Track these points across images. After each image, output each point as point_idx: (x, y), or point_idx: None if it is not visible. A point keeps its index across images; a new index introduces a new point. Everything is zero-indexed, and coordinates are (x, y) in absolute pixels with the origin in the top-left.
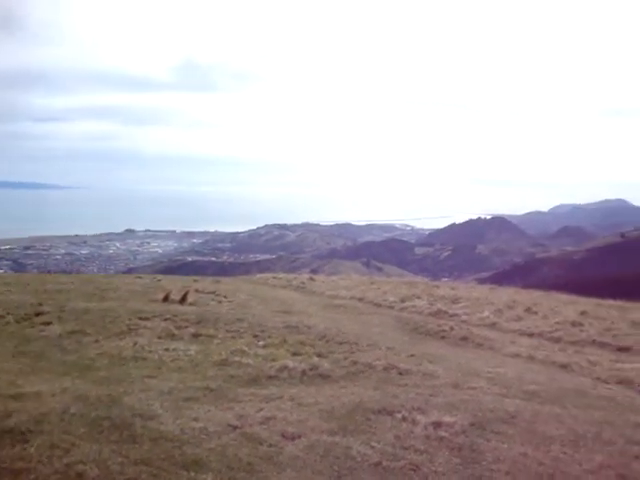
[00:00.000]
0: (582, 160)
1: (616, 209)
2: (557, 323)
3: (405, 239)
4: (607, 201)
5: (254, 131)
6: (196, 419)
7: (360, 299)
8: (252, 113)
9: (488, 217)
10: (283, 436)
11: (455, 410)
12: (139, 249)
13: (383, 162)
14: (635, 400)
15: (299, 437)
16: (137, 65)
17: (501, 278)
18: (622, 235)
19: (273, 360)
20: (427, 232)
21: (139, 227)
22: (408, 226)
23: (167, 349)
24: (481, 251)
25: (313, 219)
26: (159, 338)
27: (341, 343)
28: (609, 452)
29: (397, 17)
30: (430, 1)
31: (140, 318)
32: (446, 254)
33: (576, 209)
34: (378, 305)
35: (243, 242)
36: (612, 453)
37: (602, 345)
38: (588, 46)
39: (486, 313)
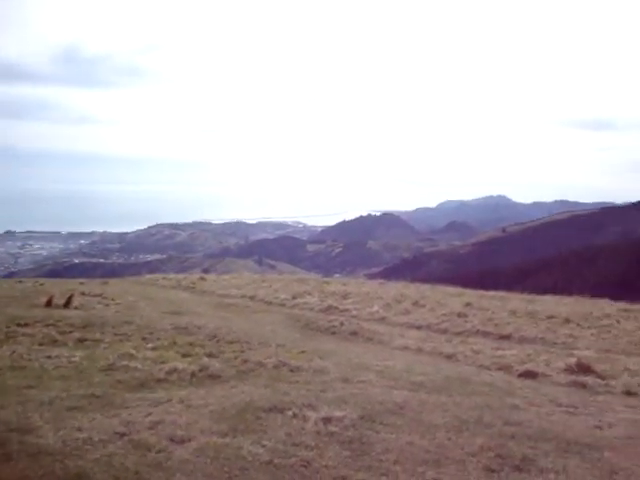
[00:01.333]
0: (468, 159)
1: (498, 205)
2: (443, 315)
3: (297, 236)
4: (490, 197)
5: (154, 129)
6: (80, 429)
7: (251, 297)
8: (150, 110)
9: (378, 214)
10: (172, 440)
11: (345, 404)
12: (20, 252)
13: (296, 160)
14: (512, 384)
15: (189, 440)
16: (8, 53)
17: (391, 273)
18: (503, 230)
19: (162, 363)
20: (319, 229)
21: (19, 228)
22: (300, 223)
23: (49, 356)
24: (372, 247)
25: (205, 218)
26: (40, 345)
27: (231, 342)
28: (489, 434)
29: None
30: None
31: (19, 325)
32: (338, 250)
33: (462, 205)
34: (269, 303)
35: (133, 242)
36: (492, 435)
37: (485, 334)
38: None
39: (375, 308)
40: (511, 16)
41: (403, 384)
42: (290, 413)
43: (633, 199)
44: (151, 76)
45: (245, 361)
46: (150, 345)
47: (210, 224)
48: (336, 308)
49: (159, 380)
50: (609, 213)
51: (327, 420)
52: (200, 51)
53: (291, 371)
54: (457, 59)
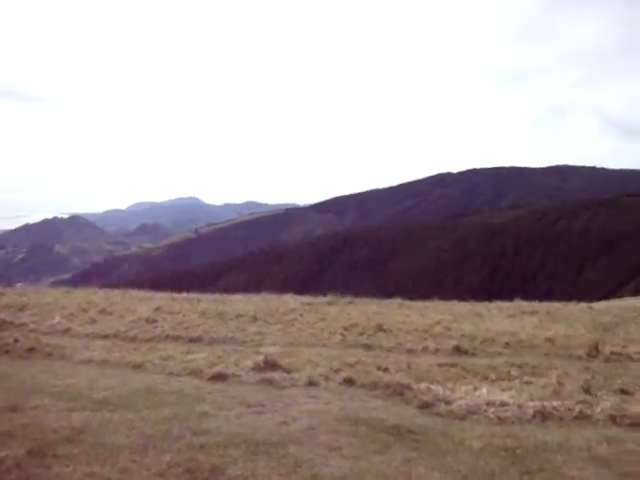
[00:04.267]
0: (158, 160)
1: (190, 206)
2: (132, 322)
3: None
4: (181, 199)
5: None
6: None
7: None
8: None
9: (65, 216)
10: None
11: (10, 440)
12: None
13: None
14: (202, 389)
15: None
16: None
17: (81, 279)
18: (195, 231)
19: None
20: None
21: None
22: None
23: None
24: (60, 251)
25: None
26: None
27: None
28: (177, 449)
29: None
30: None
31: None
32: (20, 257)
33: (154, 207)
34: None
35: None
36: (180, 449)
37: (175, 339)
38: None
39: (58, 319)
40: None
41: (84, 404)
42: None
43: (313, 201)
44: None
45: None
46: None
47: None
48: (11, 323)
49: None
50: (293, 214)
51: None
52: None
53: None
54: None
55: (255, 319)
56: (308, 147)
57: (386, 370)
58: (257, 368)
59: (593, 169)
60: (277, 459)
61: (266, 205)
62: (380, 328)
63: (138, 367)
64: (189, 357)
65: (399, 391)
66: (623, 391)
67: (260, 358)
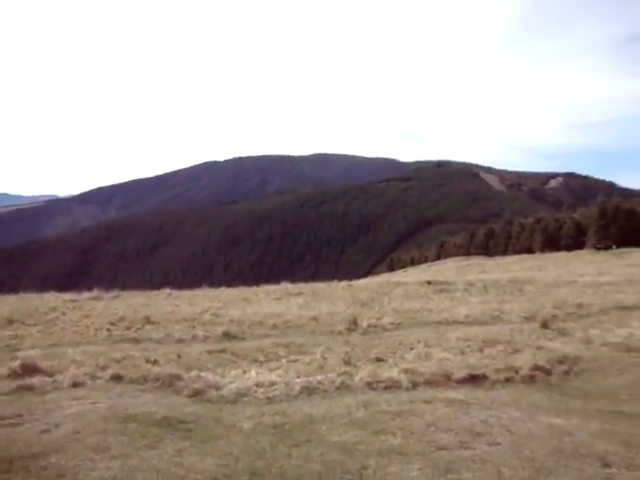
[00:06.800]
0: None
1: None
2: None
3: None
4: None
5: None
6: None
7: None
8: None
9: None
10: None
11: None
12: None
13: None
14: None
15: None
16: None
17: None
18: None
19: None
20: None
21: None
22: None
23: None
24: None
25: None
26: None
27: None
28: None
29: None
30: None
31: None
32: None
33: None
34: None
35: None
36: None
37: None
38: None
39: None
40: None
41: None
42: None
43: (75, 192)
44: None
45: None
46: None
47: None
48: None
49: None
50: (53, 206)
51: None
52: None
53: None
54: None
55: (10, 321)
56: (62, 136)
57: (155, 362)
58: (13, 375)
59: (352, 157)
60: (36, 472)
61: (20, 197)
62: (148, 320)
63: None
64: None
65: (169, 382)
66: (378, 359)
67: (16, 364)
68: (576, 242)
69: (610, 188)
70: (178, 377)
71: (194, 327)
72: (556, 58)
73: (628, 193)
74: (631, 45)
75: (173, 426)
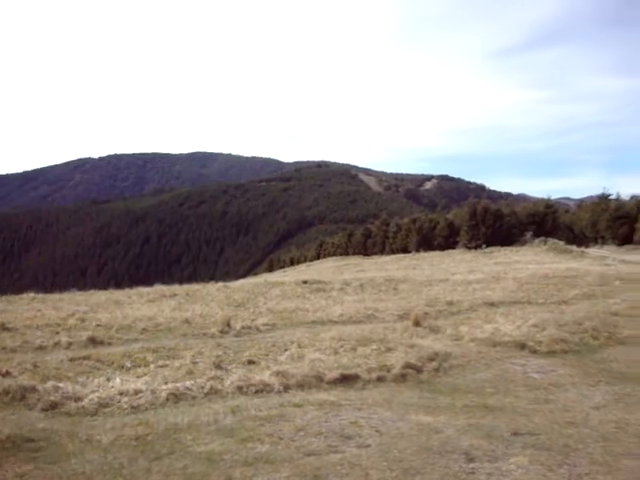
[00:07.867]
0: None
1: None
2: None
3: None
4: None
5: None
6: None
7: None
8: None
9: None
10: None
11: None
12: None
13: None
14: None
15: None
16: None
17: None
18: None
19: None
20: None
21: None
22: None
23: None
24: None
25: None
26: None
27: None
28: None
29: None
30: None
31: None
32: None
33: None
34: None
35: None
36: None
37: None
38: None
39: None
40: None
41: None
42: None
43: None
44: None
45: None
46: None
47: None
48: None
49: None
50: None
51: None
52: None
53: None
54: None
55: None
56: None
57: (7, 374)
58: None
59: (232, 156)
60: None
61: None
62: (4, 327)
63: None
64: None
65: (21, 395)
66: (250, 362)
67: None
68: (449, 242)
69: (480, 190)
70: (32, 389)
71: (57, 333)
72: (438, 63)
73: (497, 195)
74: (506, 58)
75: (18, 446)
